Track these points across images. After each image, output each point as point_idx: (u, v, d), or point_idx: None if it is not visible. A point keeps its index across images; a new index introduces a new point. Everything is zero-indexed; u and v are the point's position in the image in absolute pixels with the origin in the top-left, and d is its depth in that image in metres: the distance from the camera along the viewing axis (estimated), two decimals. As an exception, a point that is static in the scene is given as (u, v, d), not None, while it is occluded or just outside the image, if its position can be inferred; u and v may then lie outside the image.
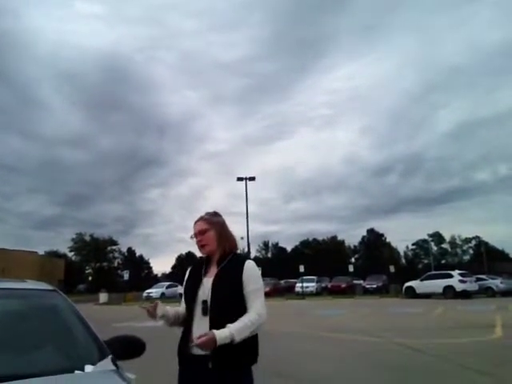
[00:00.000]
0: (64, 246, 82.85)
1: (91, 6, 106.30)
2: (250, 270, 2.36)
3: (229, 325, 2.15)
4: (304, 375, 6.71)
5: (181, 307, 2.51)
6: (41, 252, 68.15)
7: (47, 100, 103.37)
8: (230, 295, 2.28)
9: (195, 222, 2.53)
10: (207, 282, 2.35)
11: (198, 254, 2.53)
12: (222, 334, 2.09)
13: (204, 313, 2.28)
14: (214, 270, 2.40)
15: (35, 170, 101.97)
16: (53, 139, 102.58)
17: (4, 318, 2.39)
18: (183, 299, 2.49)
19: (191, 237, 2.51)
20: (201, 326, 2.24)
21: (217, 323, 2.17)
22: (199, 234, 2.46)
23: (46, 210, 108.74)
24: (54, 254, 78.15)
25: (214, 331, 2.09)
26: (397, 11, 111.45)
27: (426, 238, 78.59)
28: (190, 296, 2.37)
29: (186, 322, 2.37)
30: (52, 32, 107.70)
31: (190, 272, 2.56)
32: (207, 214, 2.56)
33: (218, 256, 2.43)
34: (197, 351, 2.19)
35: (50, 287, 2.72)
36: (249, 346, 2.25)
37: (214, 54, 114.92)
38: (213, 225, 2.48)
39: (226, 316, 2.20)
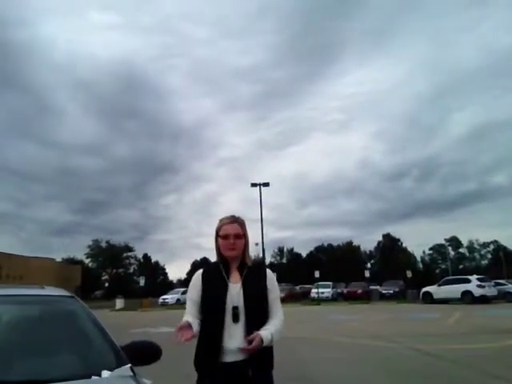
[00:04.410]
0: (81, 253, 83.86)
1: (106, 17, 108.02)
2: (272, 277, 2.42)
3: (266, 327, 2.19)
4: (318, 379, 6.68)
5: (188, 315, 2.29)
6: (58, 259, 69.20)
7: (63, 108, 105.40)
8: (261, 301, 2.30)
9: (229, 222, 2.40)
10: (234, 288, 2.28)
11: (213, 259, 2.49)
12: (268, 336, 2.14)
13: (235, 319, 2.21)
14: (236, 276, 2.35)
15: (52, 177, 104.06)
16: (69, 146, 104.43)
17: (23, 323, 2.44)
18: (196, 306, 2.33)
19: (220, 235, 2.39)
20: (233, 332, 2.18)
21: (252, 329, 2.16)
22: (235, 238, 2.36)
23: (63, 217, 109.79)
24: (71, 261, 79.04)
25: (260, 333, 2.12)
26: (408, 15, 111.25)
27: (443, 242, 77.75)
28: (217, 302, 2.25)
29: (211, 330, 2.23)
30: (68, 42, 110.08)
31: (204, 277, 2.39)
32: (238, 218, 2.45)
33: (237, 262, 2.39)
34: (232, 358, 2.18)
35: (68, 293, 2.76)
36: (272, 351, 2.30)
37: (228, 61, 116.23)
38: (245, 233, 2.44)
39: (259, 321, 2.22)
